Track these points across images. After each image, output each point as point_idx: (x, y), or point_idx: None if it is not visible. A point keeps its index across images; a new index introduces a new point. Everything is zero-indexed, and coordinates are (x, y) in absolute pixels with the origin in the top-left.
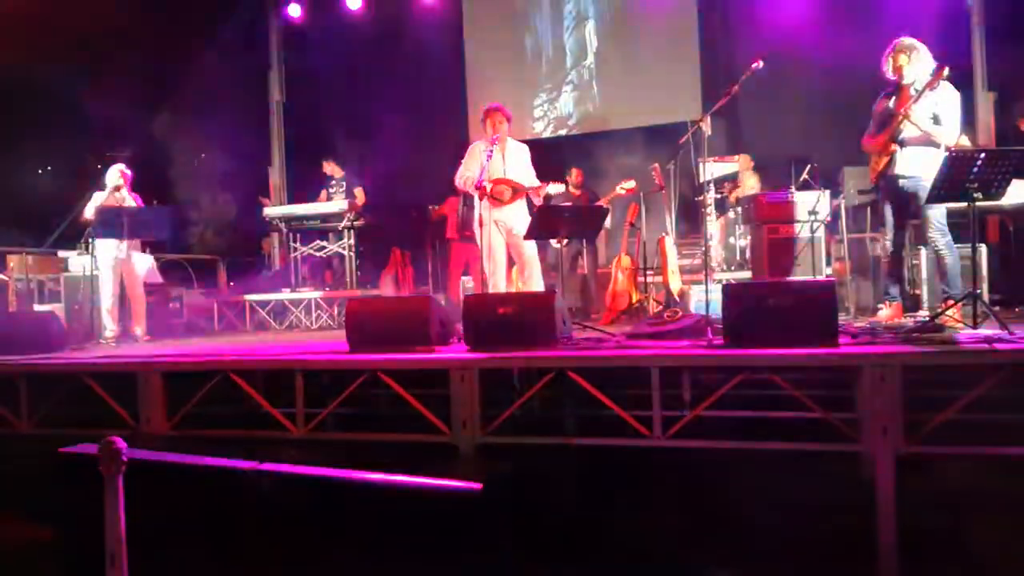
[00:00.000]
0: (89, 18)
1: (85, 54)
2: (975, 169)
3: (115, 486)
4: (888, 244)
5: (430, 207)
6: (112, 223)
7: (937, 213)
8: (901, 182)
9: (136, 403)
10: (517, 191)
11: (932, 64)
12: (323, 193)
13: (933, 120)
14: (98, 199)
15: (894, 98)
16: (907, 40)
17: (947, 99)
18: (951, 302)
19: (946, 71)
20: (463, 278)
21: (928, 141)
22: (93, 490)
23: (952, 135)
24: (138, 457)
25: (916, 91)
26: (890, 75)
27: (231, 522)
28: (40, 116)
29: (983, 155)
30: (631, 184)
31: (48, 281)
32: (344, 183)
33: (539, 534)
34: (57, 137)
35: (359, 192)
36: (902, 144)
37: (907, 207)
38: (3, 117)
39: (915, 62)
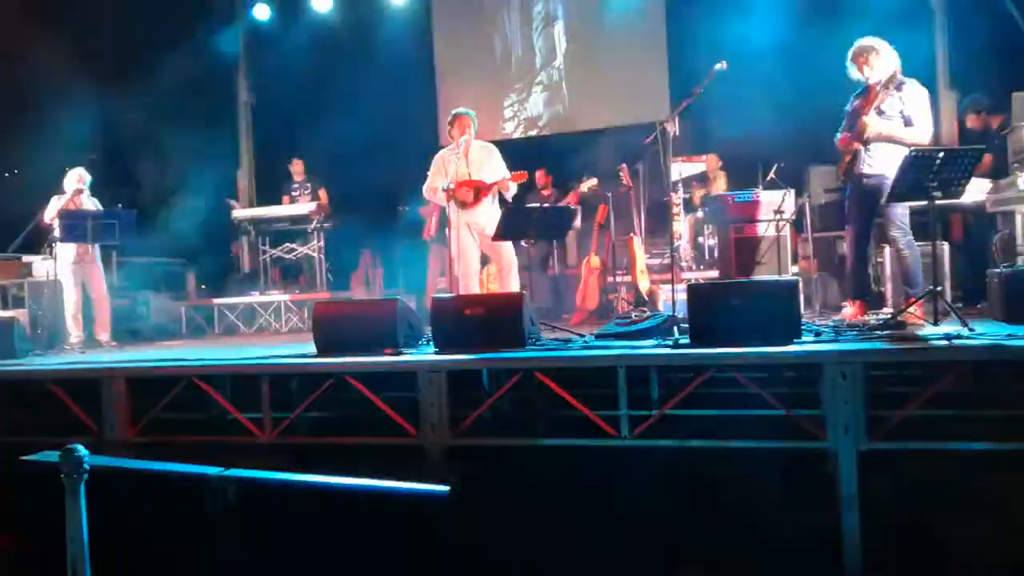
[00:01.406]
0: (51, 18)
1: (47, 55)
2: (935, 168)
3: (76, 494)
4: (851, 242)
5: (399, 207)
6: (76, 227)
7: (899, 212)
8: (865, 181)
9: (100, 410)
10: (481, 191)
11: (895, 61)
12: (284, 197)
13: (904, 120)
14: (57, 204)
15: (862, 98)
16: (865, 42)
17: (914, 97)
18: (912, 300)
19: (899, 69)
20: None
21: (893, 139)
22: (55, 498)
23: (924, 134)
24: (100, 464)
25: (881, 89)
26: (856, 78)
27: (196, 529)
28: (3, 119)
29: (942, 154)
30: (593, 182)
31: (11, 287)
32: (308, 185)
33: (508, 536)
34: (21, 141)
35: (322, 194)
36: (866, 143)
37: (872, 205)
38: None
39: (876, 62)
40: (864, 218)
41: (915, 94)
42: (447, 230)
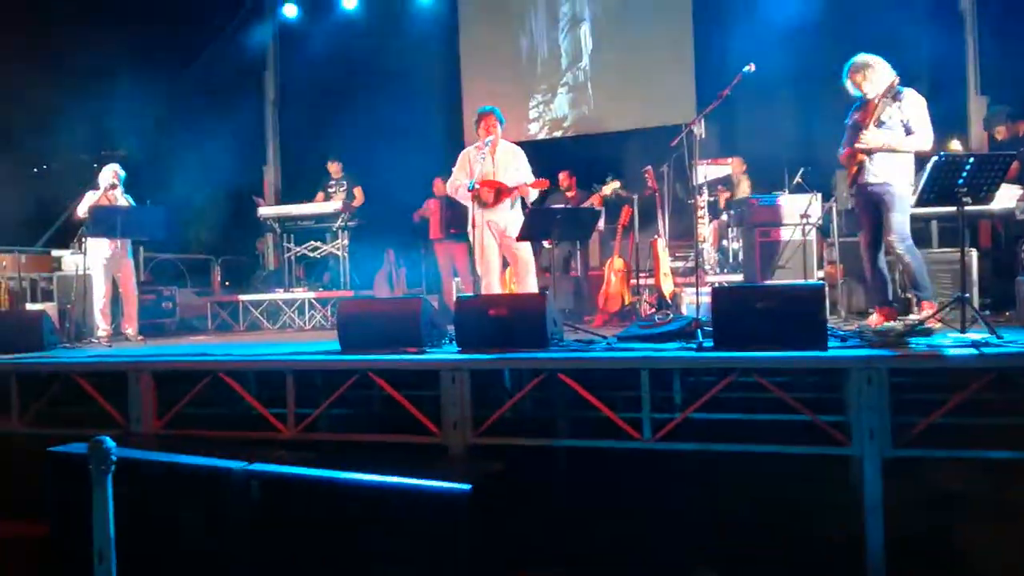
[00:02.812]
0: (81, 16)
1: (80, 53)
2: (964, 174)
3: (104, 485)
4: (864, 250)
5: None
6: (106, 222)
7: (897, 219)
8: (870, 189)
9: (127, 403)
10: (501, 192)
11: (891, 75)
12: (320, 194)
13: (904, 129)
14: (91, 199)
15: (862, 111)
16: (859, 58)
17: (913, 106)
18: (933, 305)
19: (896, 80)
20: (454, 279)
21: (893, 150)
22: (83, 489)
23: (924, 141)
24: (127, 457)
25: (880, 102)
26: (853, 93)
27: (220, 521)
28: (35, 115)
29: (972, 160)
30: (617, 184)
31: (41, 280)
32: (344, 183)
33: (528, 536)
34: (52, 136)
35: (358, 191)
36: (869, 153)
37: (879, 213)
38: None
39: (872, 77)
40: (873, 226)
41: (913, 103)
42: (469, 228)
